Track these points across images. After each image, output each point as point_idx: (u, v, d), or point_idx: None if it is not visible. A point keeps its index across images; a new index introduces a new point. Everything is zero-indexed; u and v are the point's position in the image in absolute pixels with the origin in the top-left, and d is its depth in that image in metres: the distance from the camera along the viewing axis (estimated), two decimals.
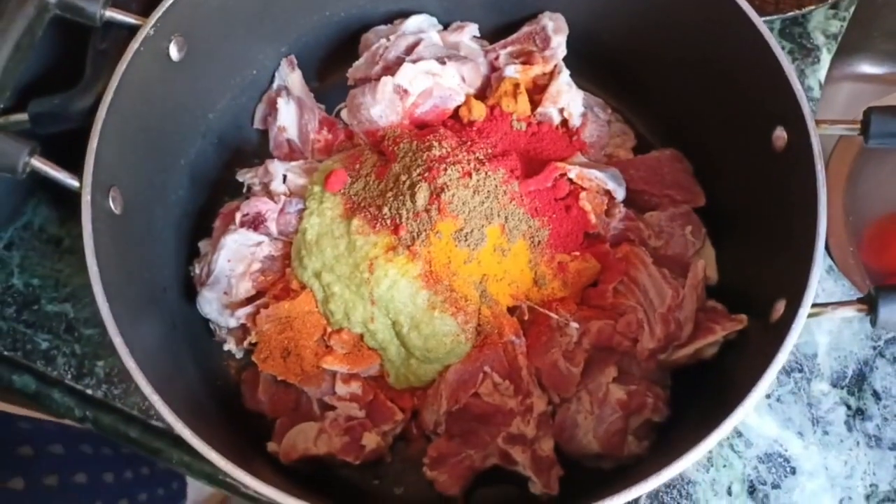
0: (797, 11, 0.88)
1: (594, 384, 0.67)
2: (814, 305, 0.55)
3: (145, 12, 0.66)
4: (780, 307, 0.59)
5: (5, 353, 0.80)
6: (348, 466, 0.68)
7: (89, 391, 0.78)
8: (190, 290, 0.75)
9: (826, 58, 0.92)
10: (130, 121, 0.65)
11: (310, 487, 0.64)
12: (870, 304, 0.56)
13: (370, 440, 0.67)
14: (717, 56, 0.69)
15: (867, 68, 1.12)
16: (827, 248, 0.87)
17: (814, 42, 0.92)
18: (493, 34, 0.82)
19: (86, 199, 0.59)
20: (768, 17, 0.88)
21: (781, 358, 0.53)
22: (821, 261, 0.55)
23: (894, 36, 1.08)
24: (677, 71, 0.74)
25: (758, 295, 0.64)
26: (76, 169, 0.61)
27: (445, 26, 0.82)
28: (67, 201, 0.80)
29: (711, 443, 0.52)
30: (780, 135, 0.64)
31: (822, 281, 0.80)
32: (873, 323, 0.55)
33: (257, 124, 0.83)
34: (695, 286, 0.65)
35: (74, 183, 0.60)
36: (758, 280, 0.67)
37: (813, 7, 0.88)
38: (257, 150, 0.82)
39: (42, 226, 0.85)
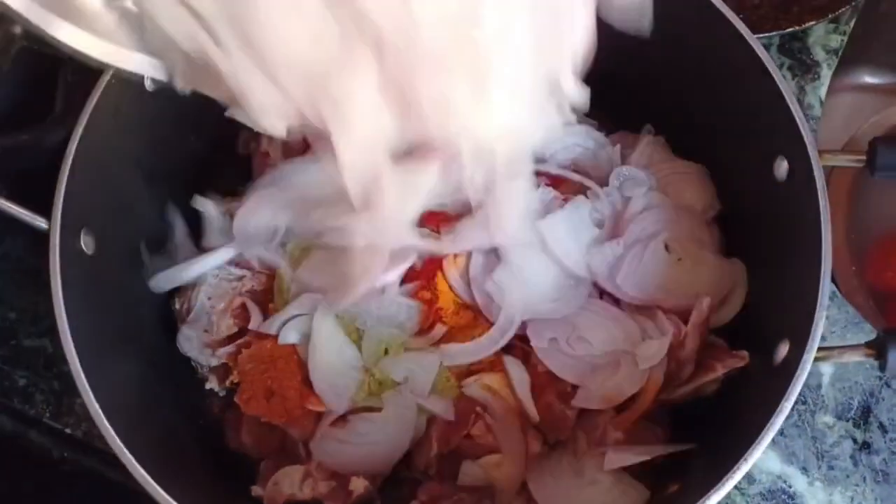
0: (797, 27, 0.86)
1: (590, 425, 0.64)
2: (820, 349, 0.53)
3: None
4: (783, 348, 0.56)
5: None
6: None
7: (68, 430, 0.76)
8: (171, 325, 0.72)
9: (826, 74, 0.90)
10: (103, 155, 0.62)
11: None
12: (878, 349, 0.53)
13: (357, 485, 0.65)
14: (717, 83, 0.67)
15: (868, 79, 1.09)
16: (832, 274, 0.85)
17: (814, 58, 0.90)
18: None
19: (54, 241, 0.57)
20: (767, 34, 0.85)
21: (787, 405, 0.51)
22: (825, 303, 0.53)
23: (895, 47, 1.05)
24: (676, 99, 0.71)
25: (760, 331, 0.62)
26: (46, 207, 0.59)
27: None
28: (46, 234, 0.78)
29: (718, 497, 0.49)
30: (782, 164, 0.61)
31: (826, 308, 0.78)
32: (882, 368, 0.53)
33: (241, 151, 0.80)
34: (698, 325, 0.63)
35: (43, 225, 0.57)
36: (759, 316, 0.65)
37: (813, 22, 0.86)
38: (242, 176, 0.80)
39: (21, 258, 0.83)
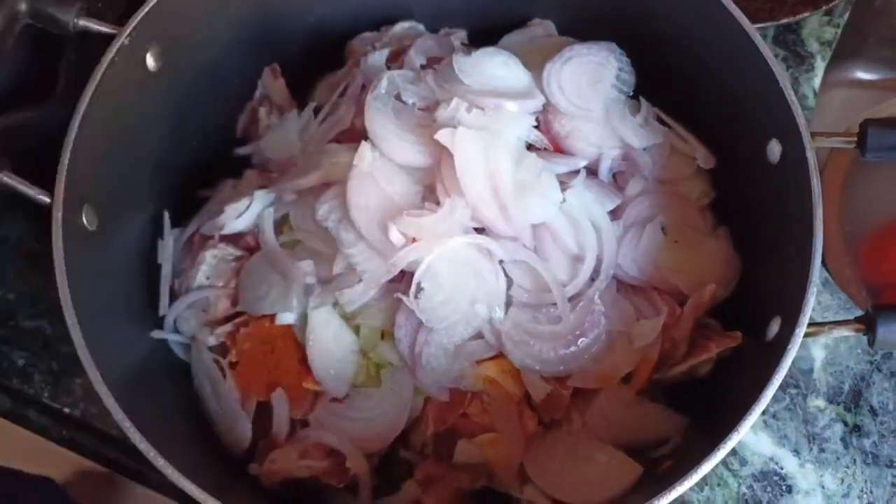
0: (791, 18, 0.87)
1: (585, 403, 0.65)
2: (810, 325, 0.53)
3: (120, 21, 0.63)
4: (775, 325, 0.57)
5: None
6: (333, 489, 0.66)
7: (66, 409, 0.77)
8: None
9: (820, 65, 0.91)
10: (105, 134, 0.63)
11: None
12: (867, 324, 0.54)
13: (355, 462, 0.65)
14: (711, 66, 0.68)
15: (862, 74, 1.10)
16: (823, 259, 0.86)
17: (808, 49, 0.91)
18: (481, 39, 0.81)
19: (57, 215, 0.57)
20: (762, 25, 0.86)
21: (777, 379, 0.52)
22: (817, 280, 0.54)
23: (889, 42, 1.06)
24: (670, 82, 0.72)
25: (752, 311, 0.63)
26: (49, 184, 0.59)
27: (433, 32, 0.81)
28: (44, 215, 0.78)
29: (708, 467, 0.50)
30: (775, 147, 0.62)
31: (819, 293, 0.79)
32: (871, 343, 0.53)
33: (240, 133, 0.80)
34: (695, 307, 0.64)
35: (45, 199, 0.58)
36: (752, 295, 0.65)
37: (807, 14, 0.87)
38: (240, 160, 0.80)
39: (19, 240, 0.83)
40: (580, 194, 0.66)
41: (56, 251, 0.56)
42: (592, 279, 0.65)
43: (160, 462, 0.53)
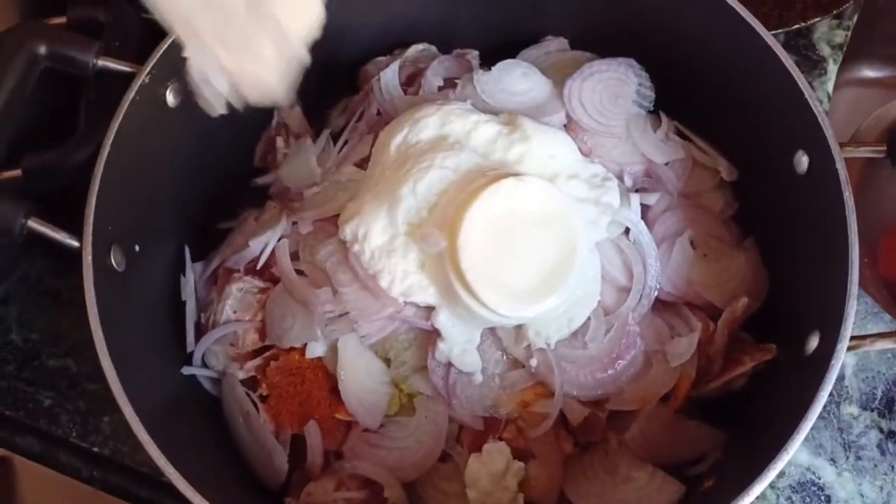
0: (801, 24, 0.87)
1: (621, 424, 0.64)
2: (852, 338, 0.53)
3: (139, 59, 0.63)
4: (814, 340, 0.57)
5: (7, 413, 0.77)
6: None
7: (96, 448, 0.76)
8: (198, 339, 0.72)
9: (833, 69, 0.91)
10: (128, 173, 0.63)
11: None
12: None
13: (392, 491, 0.65)
14: (730, 78, 0.68)
15: (870, 73, 1.10)
16: None
17: (819, 53, 0.91)
18: (493, 59, 0.81)
19: (87, 259, 0.57)
20: (773, 31, 0.86)
21: (823, 395, 0.52)
22: (855, 292, 0.53)
23: (894, 40, 1.06)
24: (693, 94, 0.72)
25: (786, 323, 0.63)
26: (73, 225, 0.59)
27: (445, 53, 0.80)
28: (64, 253, 0.78)
29: (760, 488, 0.50)
30: (802, 158, 0.62)
31: None
32: None
33: (258, 163, 0.80)
34: (729, 322, 0.63)
35: (74, 243, 0.57)
36: (784, 308, 0.65)
37: (817, 19, 0.87)
38: (260, 191, 0.80)
39: (39, 278, 0.83)
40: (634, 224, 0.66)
41: (88, 294, 0.56)
42: None
43: (198, 500, 0.53)
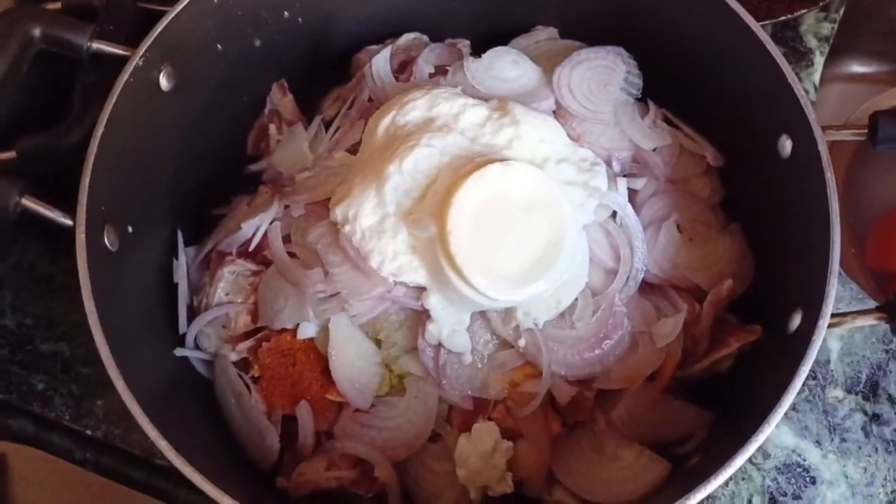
0: (788, 16, 0.88)
1: (608, 404, 0.65)
2: (832, 316, 0.54)
3: (133, 43, 0.64)
4: (797, 318, 0.58)
5: (0, 396, 0.77)
6: (360, 499, 0.67)
7: (88, 431, 0.77)
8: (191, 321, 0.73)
9: (819, 60, 0.92)
10: (122, 154, 0.63)
11: None
12: (889, 312, 0.55)
13: (383, 471, 0.66)
14: (717, 66, 0.69)
15: (857, 68, 1.12)
16: None
17: (806, 45, 0.92)
18: (483, 48, 0.82)
19: (80, 238, 0.57)
20: (761, 23, 0.87)
21: (804, 370, 0.53)
22: (836, 271, 0.54)
23: (882, 35, 1.08)
24: (680, 82, 0.73)
25: (771, 305, 0.64)
26: (66, 206, 0.60)
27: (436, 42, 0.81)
28: (58, 238, 0.79)
29: (741, 461, 0.51)
30: (786, 143, 0.63)
31: None
32: (894, 331, 0.54)
33: (251, 150, 0.81)
34: (714, 303, 0.64)
35: (68, 222, 0.58)
36: (769, 290, 0.66)
37: (804, 10, 0.88)
38: (253, 178, 0.81)
39: (33, 263, 0.84)
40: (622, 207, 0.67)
41: (81, 272, 0.56)
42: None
43: (188, 471, 0.53)
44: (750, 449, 0.51)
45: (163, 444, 0.52)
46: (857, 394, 0.76)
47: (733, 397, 0.64)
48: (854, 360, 0.77)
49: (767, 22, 0.88)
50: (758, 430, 0.51)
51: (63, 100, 0.66)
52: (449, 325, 0.65)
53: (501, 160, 0.63)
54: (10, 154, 0.64)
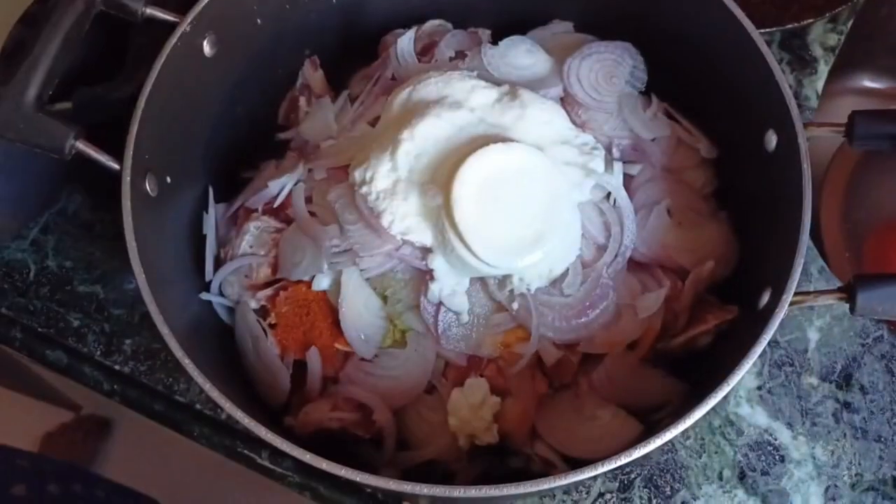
0: (796, 24, 0.92)
1: (592, 368, 0.71)
2: (797, 293, 0.59)
3: (182, 11, 0.71)
4: (766, 296, 0.62)
5: (39, 329, 0.85)
6: (360, 440, 0.72)
7: (117, 367, 0.83)
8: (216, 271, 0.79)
9: (823, 69, 0.96)
10: (165, 111, 0.70)
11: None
12: (849, 292, 0.60)
13: (381, 415, 0.71)
14: (716, 65, 0.73)
15: (868, 83, 1.15)
16: (824, 256, 0.91)
17: (812, 54, 0.96)
18: (504, 37, 0.87)
19: (126, 180, 0.64)
20: (768, 30, 0.92)
21: (765, 339, 0.57)
22: (804, 250, 0.59)
23: (894, 51, 1.11)
24: (678, 77, 0.78)
25: (748, 288, 0.68)
26: (115, 153, 0.66)
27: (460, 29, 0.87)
28: (100, 189, 0.86)
29: (699, 413, 0.55)
30: (772, 137, 0.68)
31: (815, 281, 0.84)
32: (852, 310, 0.59)
33: (281, 121, 0.88)
34: (695, 282, 0.69)
35: (115, 166, 0.65)
36: (749, 275, 0.71)
37: (811, 20, 0.92)
38: (281, 145, 0.87)
39: (75, 212, 0.91)
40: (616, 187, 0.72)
41: (125, 211, 0.63)
42: None
43: (208, 387, 0.59)
44: (707, 404, 0.56)
45: (187, 363, 0.58)
46: (831, 382, 0.80)
47: (707, 371, 0.69)
48: (831, 351, 0.81)
49: (776, 29, 0.92)
50: (717, 388, 0.56)
51: (116, 59, 0.73)
52: (449, 286, 0.70)
53: (504, 140, 0.69)
54: (67, 104, 0.71)
